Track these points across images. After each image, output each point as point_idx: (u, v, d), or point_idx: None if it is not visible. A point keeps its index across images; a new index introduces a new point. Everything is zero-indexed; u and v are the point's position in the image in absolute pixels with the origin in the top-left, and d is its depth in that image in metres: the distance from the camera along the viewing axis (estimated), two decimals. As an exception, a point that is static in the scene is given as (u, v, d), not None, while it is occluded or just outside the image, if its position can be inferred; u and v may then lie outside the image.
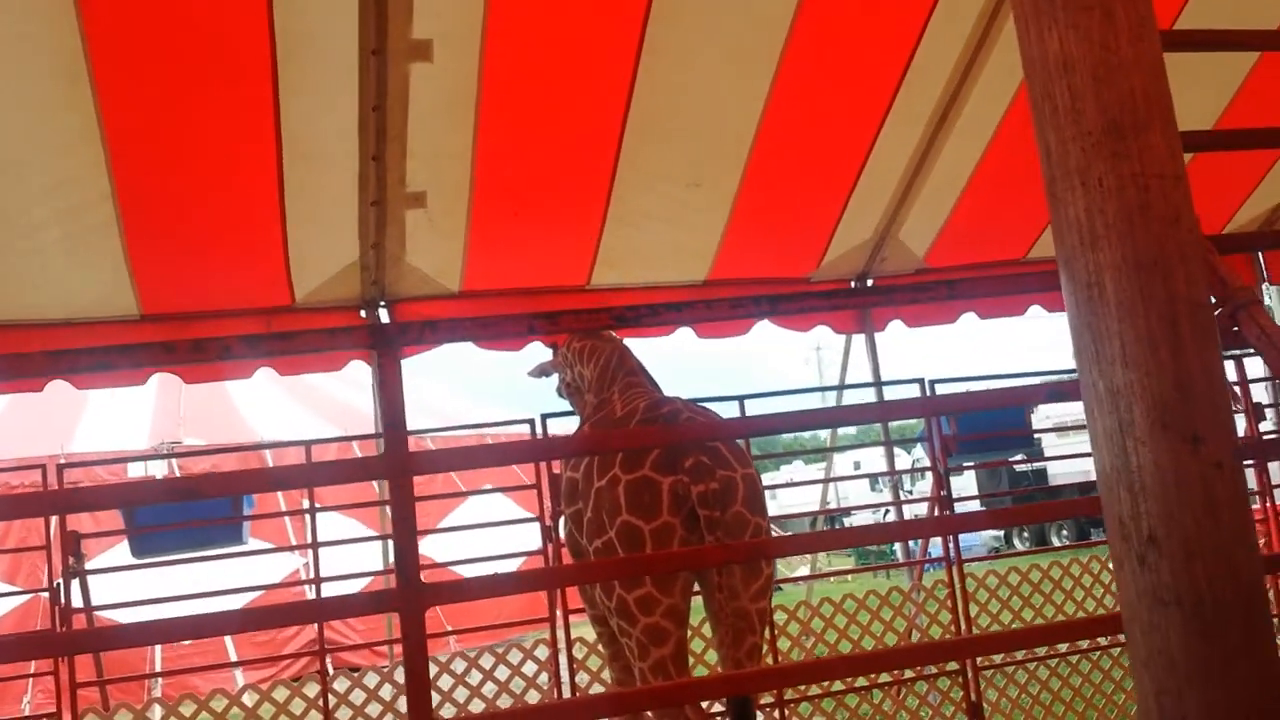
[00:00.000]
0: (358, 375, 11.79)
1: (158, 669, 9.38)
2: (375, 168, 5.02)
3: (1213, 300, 2.31)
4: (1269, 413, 6.94)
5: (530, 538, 5.73)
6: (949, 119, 5.61)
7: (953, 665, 5.60)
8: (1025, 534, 18.26)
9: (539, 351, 5.85)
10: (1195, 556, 1.05)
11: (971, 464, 7.68)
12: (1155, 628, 1.06)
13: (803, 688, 5.46)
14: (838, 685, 5.55)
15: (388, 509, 6.20)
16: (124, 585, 6.52)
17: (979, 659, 5.60)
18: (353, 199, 5.17)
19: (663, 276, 6.16)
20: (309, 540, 5.59)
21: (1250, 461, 5.77)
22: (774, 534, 4.89)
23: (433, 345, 5.38)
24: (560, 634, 5.32)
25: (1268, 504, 6.12)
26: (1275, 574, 4.77)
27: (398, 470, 1.88)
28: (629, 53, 4.89)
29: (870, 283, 6.49)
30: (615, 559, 3.61)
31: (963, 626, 5.60)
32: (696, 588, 3.82)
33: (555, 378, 5.29)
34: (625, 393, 4.31)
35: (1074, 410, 14.18)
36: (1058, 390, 2.24)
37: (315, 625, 6.73)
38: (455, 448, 4.95)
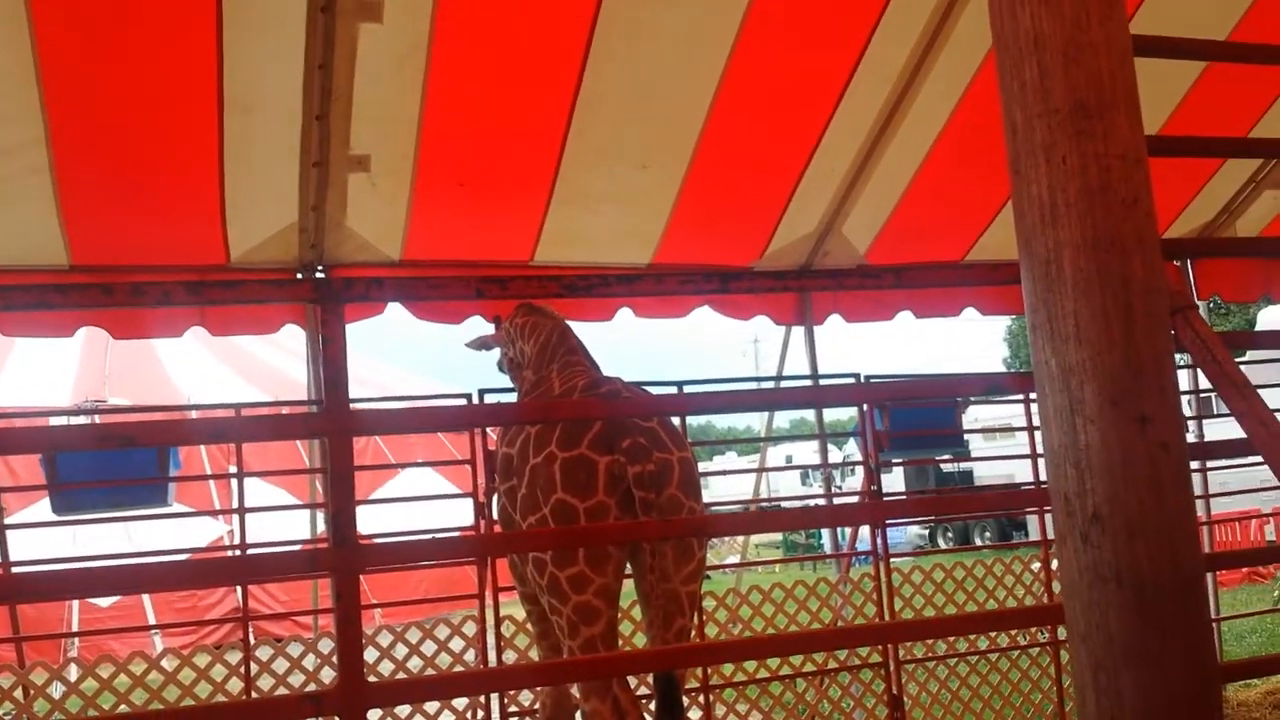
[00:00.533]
0: (289, 342, 11.63)
1: (75, 630, 9.18)
2: (319, 128, 4.91)
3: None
4: (1191, 425, 7.12)
5: (463, 514, 5.69)
6: (896, 117, 5.65)
7: (876, 658, 5.68)
8: (949, 534, 18.61)
9: (479, 326, 5.82)
10: (1138, 535, 1.06)
11: (901, 460, 7.78)
12: (1095, 604, 1.07)
13: (727, 672, 5.50)
14: (762, 673, 5.61)
15: (316, 481, 6.11)
16: (43, 543, 6.34)
17: (901, 654, 5.68)
18: (294, 159, 5.07)
19: (607, 258, 6.13)
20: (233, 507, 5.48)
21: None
22: (706, 519, 4.91)
23: (378, 302, 5.32)
24: (490, 612, 5.29)
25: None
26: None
27: (338, 427, 1.84)
28: (583, 27, 4.85)
29: (814, 275, 6.54)
30: (554, 529, 3.59)
31: (887, 619, 5.67)
32: (629, 571, 3.83)
33: (497, 352, 5.25)
34: (564, 371, 4.30)
35: (1002, 413, 14.46)
36: (996, 383, 2.27)
37: (237, 594, 6.60)
38: (396, 409, 4.86)
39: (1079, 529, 1.08)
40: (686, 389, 5.65)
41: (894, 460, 7.55)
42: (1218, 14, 5.34)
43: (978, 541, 17.72)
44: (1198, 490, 6.51)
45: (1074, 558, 1.10)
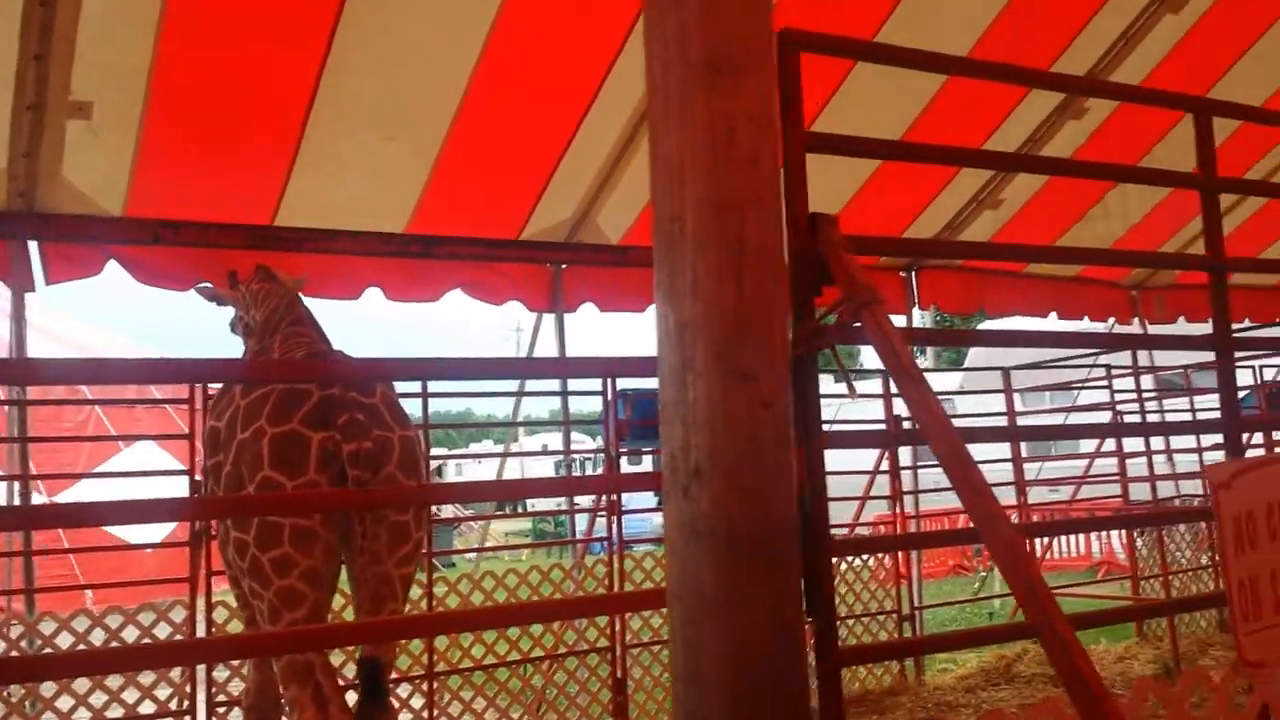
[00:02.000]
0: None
1: None
2: (36, 68, 4.51)
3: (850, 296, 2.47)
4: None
5: (181, 492, 5.35)
6: (655, 110, 5.73)
7: (603, 643, 5.74)
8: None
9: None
10: (734, 490, 1.07)
11: (651, 449, 7.93)
12: (690, 558, 1.08)
13: (454, 659, 5.42)
14: (490, 659, 5.57)
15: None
16: None
17: (628, 638, 5.77)
18: (5, 100, 4.63)
19: (354, 227, 5.91)
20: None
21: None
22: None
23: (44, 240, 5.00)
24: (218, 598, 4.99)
25: (896, 484, 6.96)
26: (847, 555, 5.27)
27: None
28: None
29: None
30: (259, 495, 3.40)
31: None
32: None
33: (231, 313, 5.01)
34: (287, 341, 4.13)
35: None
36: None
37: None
38: (87, 359, 4.51)
39: (681, 484, 1.09)
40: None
41: (644, 450, 7.69)
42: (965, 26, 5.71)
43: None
44: (907, 486, 6.99)
45: (675, 513, 1.11)
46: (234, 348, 5.01)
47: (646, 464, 17.94)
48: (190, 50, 4.72)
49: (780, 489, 1.09)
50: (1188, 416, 8.34)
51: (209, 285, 5.09)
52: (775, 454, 1.10)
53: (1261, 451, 7.01)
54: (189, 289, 5.54)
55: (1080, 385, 8.75)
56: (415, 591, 5.51)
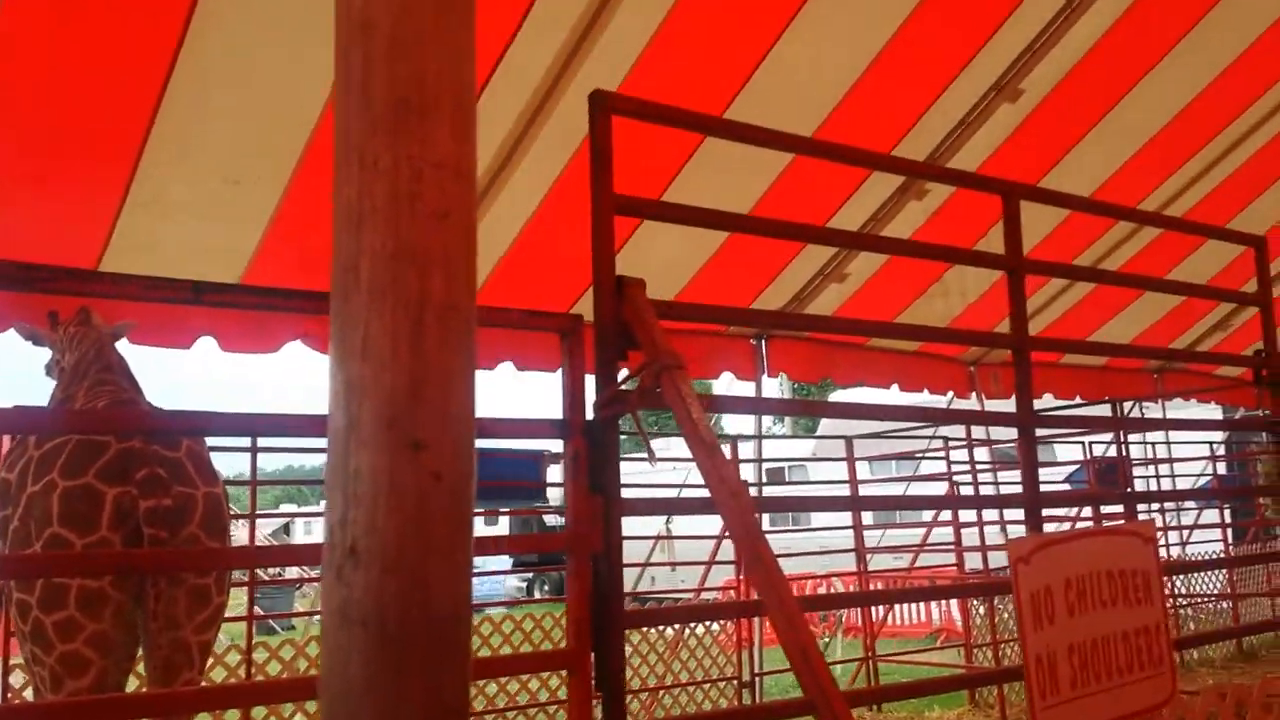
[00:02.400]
0: None
1: None
2: None
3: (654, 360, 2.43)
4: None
5: None
6: (508, 167, 5.66)
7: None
8: (546, 586, 18.66)
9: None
10: (392, 572, 0.98)
11: (505, 510, 7.81)
12: (339, 647, 0.98)
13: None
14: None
15: None
16: None
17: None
18: None
19: (187, 273, 5.64)
20: None
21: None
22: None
23: None
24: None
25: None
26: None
27: None
28: (178, 16, 4.45)
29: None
30: (52, 553, 3.15)
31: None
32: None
33: (50, 355, 4.72)
34: (92, 389, 3.89)
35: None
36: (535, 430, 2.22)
37: None
38: None
39: (335, 564, 0.99)
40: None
41: (502, 510, 7.55)
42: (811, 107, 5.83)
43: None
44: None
45: (328, 598, 1.01)
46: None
47: (503, 525, 17.74)
48: (17, 66, 4.47)
49: (448, 569, 1.00)
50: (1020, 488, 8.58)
51: (26, 324, 4.81)
52: (443, 530, 1.01)
53: (1090, 525, 7.28)
54: (6, 329, 5.22)
55: (921, 455, 8.97)
56: (234, 657, 5.25)
